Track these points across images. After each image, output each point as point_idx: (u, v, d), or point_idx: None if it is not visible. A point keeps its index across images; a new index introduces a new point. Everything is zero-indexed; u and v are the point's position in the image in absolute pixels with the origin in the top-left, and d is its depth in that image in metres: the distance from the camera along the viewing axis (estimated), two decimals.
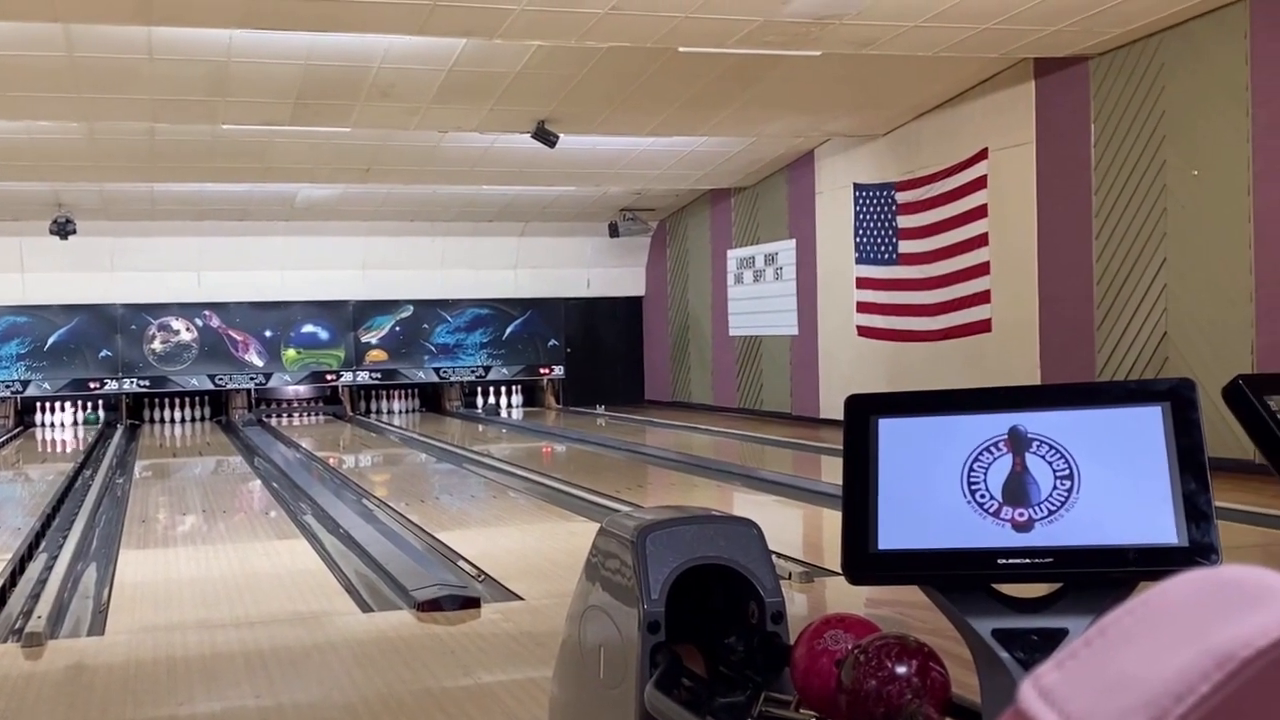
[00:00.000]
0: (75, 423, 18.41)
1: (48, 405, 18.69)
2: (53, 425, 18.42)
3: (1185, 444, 1.52)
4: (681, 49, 10.18)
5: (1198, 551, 1.46)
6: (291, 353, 19.67)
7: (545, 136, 12.62)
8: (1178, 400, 1.54)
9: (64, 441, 16.70)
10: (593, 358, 20.62)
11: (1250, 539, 6.09)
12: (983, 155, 12.28)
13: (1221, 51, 9.45)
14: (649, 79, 11.34)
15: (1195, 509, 1.49)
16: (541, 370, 20.60)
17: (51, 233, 16.93)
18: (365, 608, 5.76)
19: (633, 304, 20.98)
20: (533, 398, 20.69)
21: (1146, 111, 10.22)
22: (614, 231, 19.73)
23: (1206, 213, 9.67)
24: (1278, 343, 9.01)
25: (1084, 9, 9.30)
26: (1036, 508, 1.51)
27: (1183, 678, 0.28)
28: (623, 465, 12.52)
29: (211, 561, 7.51)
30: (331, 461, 13.39)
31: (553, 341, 20.59)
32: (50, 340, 18.64)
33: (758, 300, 17.18)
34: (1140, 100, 10.28)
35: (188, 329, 19.16)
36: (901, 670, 1.74)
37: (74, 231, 16.99)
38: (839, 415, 1.67)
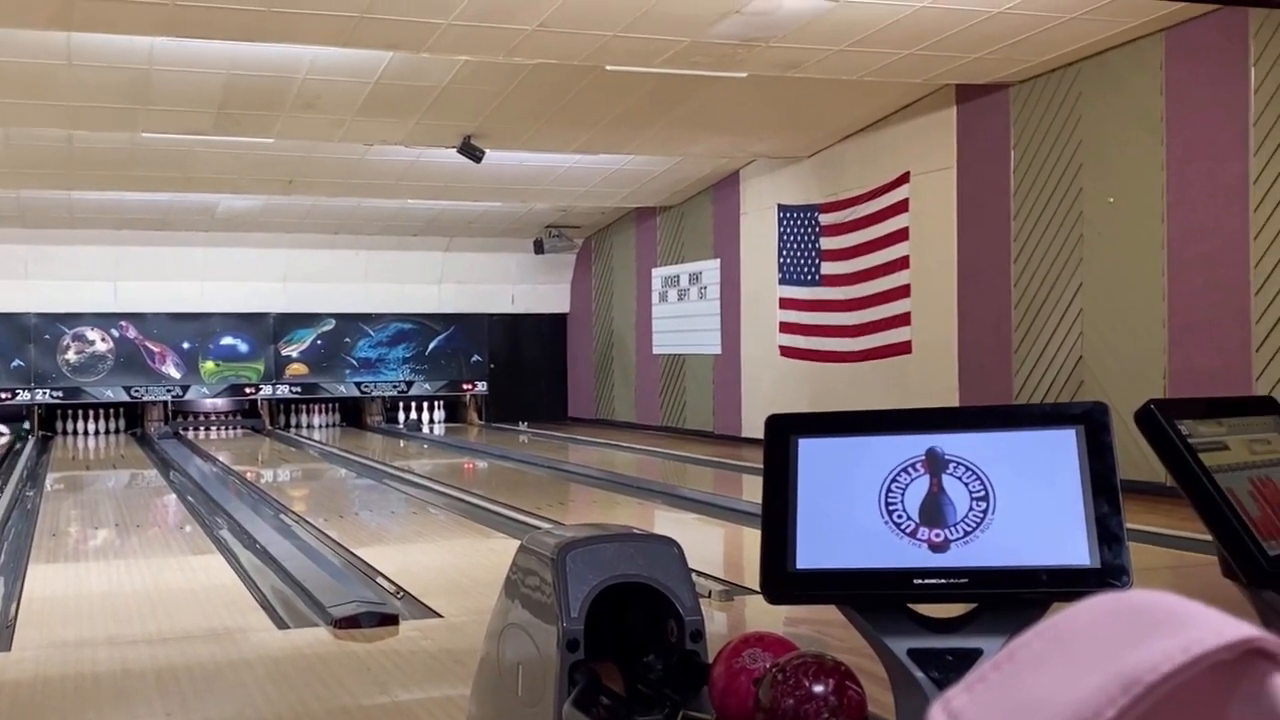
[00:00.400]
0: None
1: None
2: None
3: (1098, 467, 1.54)
4: (609, 67, 10.20)
5: (1109, 573, 1.48)
6: (210, 365, 19.39)
7: (471, 152, 12.59)
8: (1091, 424, 1.57)
9: None
10: (516, 374, 20.55)
11: (1161, 561, 6.21)
12: (904, 179, 12.42)
13: (1137, 81, 9.64)
14: (576, 96, 11.35)
15: (1107, 531, 1.51)
16: (464, 386, 20.50)
17: None
18: (281, 624, 5.69)
19: (557, 321, 20.95)
20: (455, 414, 20.57)
21: (1064, 139, 10.40)
22: (539, 248, 19.71)
23: (1122, 239, 9.85)
24: (1189, 368, 9.20)
25: (1004, 37, 9.45)
26: (953, 528, 1.52)
27: (1090, 702, 0.29)
28: (544, 482, 12.48)
29: (124, 577, 7.37)
30: (249, 476, 13.21)
31: (476, 357, 20.50)
32: None
33: (682, 319, 17.23)
34: (1058, 128, 10.46)
35: (103, 339, 18.82)
36: (818, 689, 1.74)
37: None
38: (760, 434, 1.68)
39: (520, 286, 20.44)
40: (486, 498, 10.42)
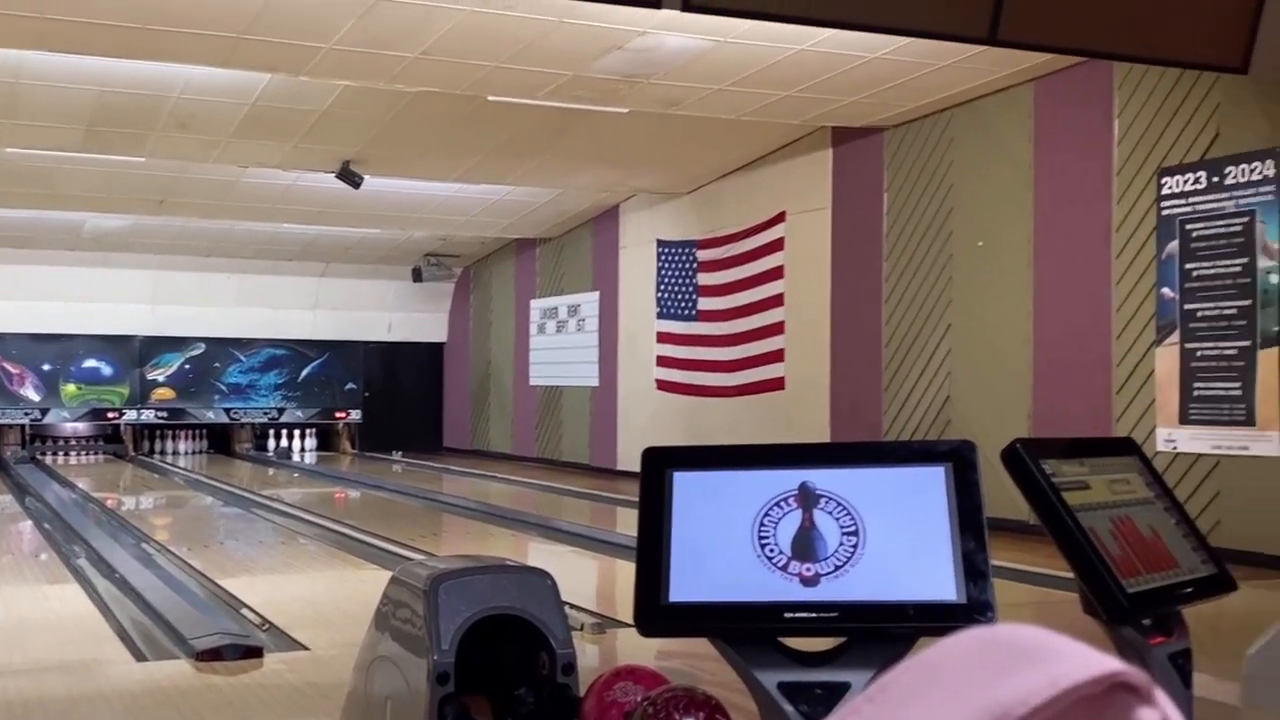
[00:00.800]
0: None
1: None
2: None
3: (965, 504, 1.57)
4: (491, 98, 10.19)
5: (975, 609, 1.51)
6: (71, 388, 18.84)
7: (350, 177, 12.45)
8: (959, 461, 1.60)
9: None
10: (391, 403, 20.33)
11: (1025, 597, 6.34)
12: (781, 218, 12.58)
13: (1007, 128, 9.90)
14: (458, 125, 11.31)
15: (974, 567, 1.54)
16: (337, 414, 20.22)
17: None
18: (140, 656, 5.52)
19: (434, 350, 20.79)
20: (327, 442, 20.27)
21: (936, 182, 10.61)
22: (417, 276, 19.56)
23: (990, 282, 10.07)
24: (1052, 409, 9.42)
25: (879, 82, 9.65)
26: (824, 563, 1.54)
27: None
28: (418, 513, 12.35)
29: None
30: (110, 503, 12.83)
31: (350, 385, 20.24)
32: None
33: (559, 351, 17.22)
34: (931, 171, 10.67)
35: None
36: None
37: None
38: (636, 467, 1.68)
39: (397, 315, 20.25)
40: (358, 528, 10.26)
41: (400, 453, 19.24)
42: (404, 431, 20.01)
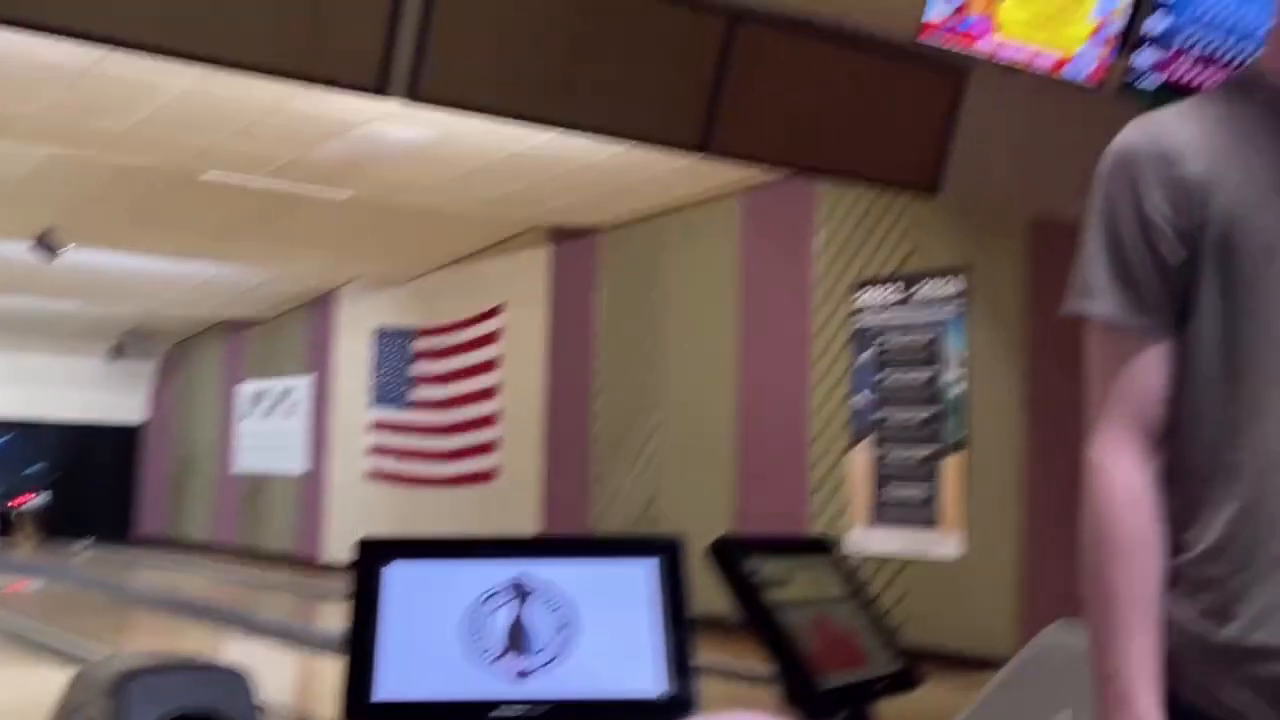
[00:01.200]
0: None
1: None
2: None
3: (673, 598, 1.60)
4: (208, 176, 9.87)
5: (679, 705, 1.53)
6: None
7: (48, 247, 11.80)
8: (668, 556, 1.63)
9: None
10: (81, 487, 19.18)
11: (727, 693, 6.43)
12: (498, 311, 12.60)
13: (716, 237, 10.16)
14: (170, 200, 10.88)
15: (680, 663, 1.56)
16: (18, 500, 18.95)
17: None
18: None
19: (131, 432, 19.78)
20: (7, 527, 18.91)
21: (648, 285, 10.78)
22: (117, 354, 18.66)
23: (698, 383, 10.24)
24: (754, 507, 9.59)
25: (596, 185, 9.79)
26: (536, 656, 1.53)
27: None
28: (105, 606, 11.63)
29: None
30: None
31: (36, 466, 19.03)
32: None
33: (267, 436, 16.67)
34: (643, 274, 10.85)
35: None
36: None
37: None
38: (344, 558, 1.64)
39: (93, 393, 19.21)
40: (37, 621, 9.59)
41: (88, 540, 18.14)
42: (94, 518, 18.91)
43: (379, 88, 5.39)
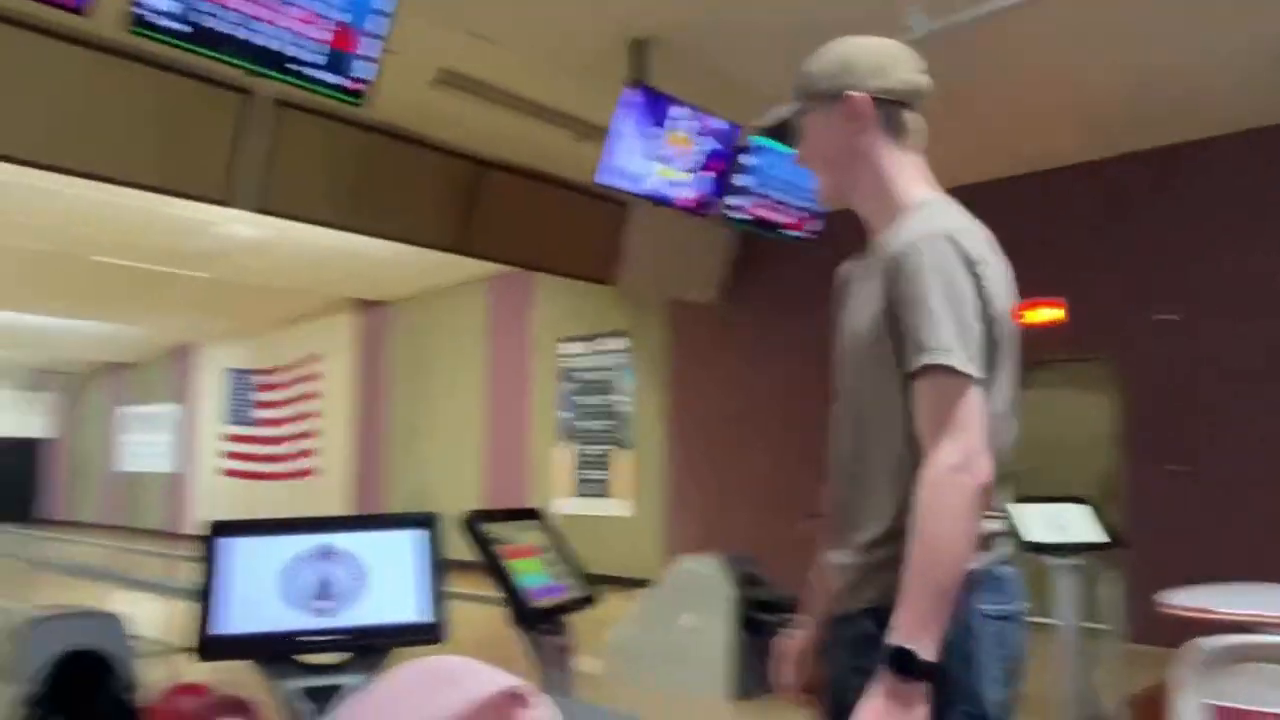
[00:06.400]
0: None
1: None
2: None
3: (434, 554, 1.56)
4: (94, 258, 8.99)
5: (437, 625, 1.49)
6: None
7: None
8: (431, 526, 1.58)
9: None
10: None
11: (475, 614, 6.29)
12: (318, 358, 12.04)
13: (471, 308, 10.08)
14: (68, 275, 9.84)
15: (438, 596, 1.52)
16: None
17: None
18: None
19: (33, 443, 17.71)
20: None
21: (425, 341, 10.59)
22: (29, 387, 16.72)
23: (459, 406, 10.10)
24: (494, 489, 9.53)
25: (387, 271, 9.55)
26: (337, 599, 1.46)
27: None
28: (14, 570, 10.31)
29: None
30: None
31: None
32: None
33: (143, 445, 15.29)
34: (422, 334, 10.65)
35: None
36: None
37: None
38: (201, 532, 1.51)
39: (7, 415, 17.11)
40: None
41: (2, 523, 16.07)
42: (6, 506, 16.79)
43: (227, 201, 5.08)
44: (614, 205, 6.66)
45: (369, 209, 5.78)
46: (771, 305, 7.51)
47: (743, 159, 5.31)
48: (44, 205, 7.15)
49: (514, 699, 0.30)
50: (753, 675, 4.16)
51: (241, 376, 13.22)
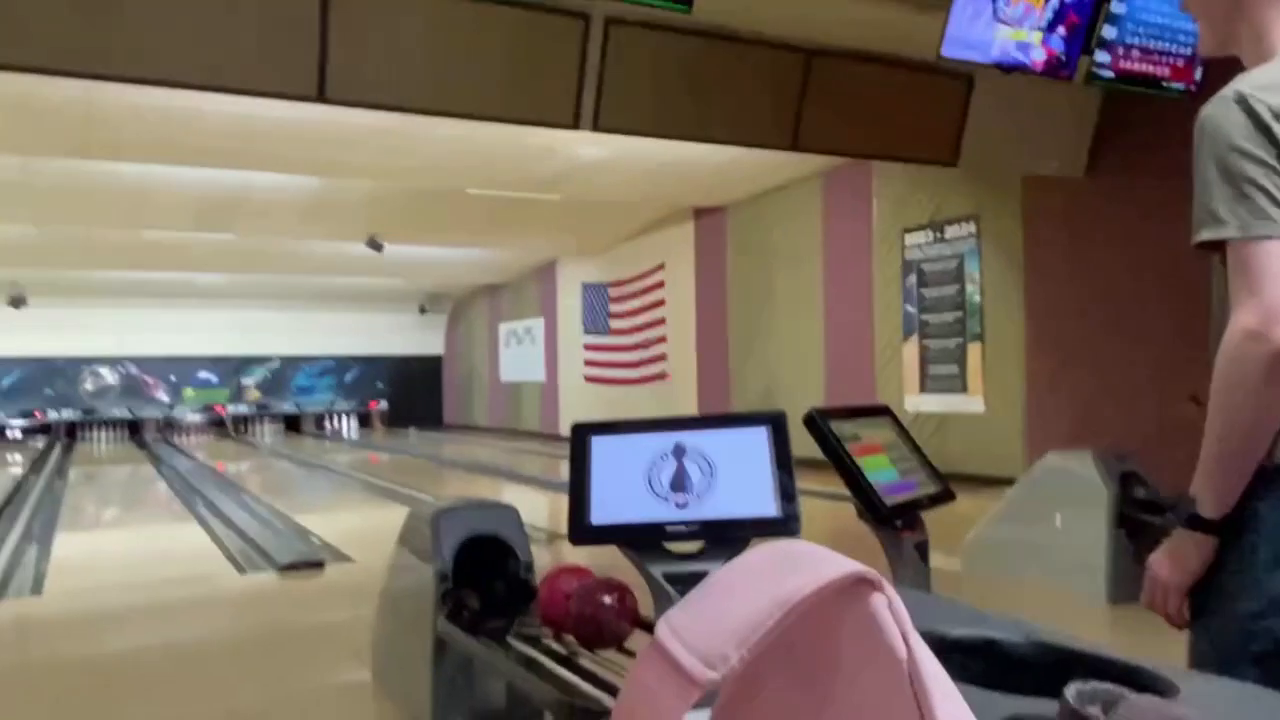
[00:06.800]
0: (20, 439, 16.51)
1: (2, 431, 16.83)
2: (7, 441, 16.46)
3: (780, 451, 1.59)
4: (469, 190, 10.07)
5: (787, 520, 1.53)
6: (189, 392, 18.29)
7: (375, 245, 12.24)
8: (775, 424, 1.62)
9: (13, 456, 14.89)
10: (407, 395, 20.01)
11: (822, 510, 6.41)
12: (663, 267, 12.62)
13: (806, 206, 9.99)
14: (448, 209, 11.16)
15: (786, 492, 1.56)
16: (371, 404, 19.87)
17: (7, 305, 15.45)
18: (241, 570, 5.38)
19: (435, 360, 20.50)
20: (365, 422, 19.89)
21: (761, 243, 10.69)
22: (423, 310, 19.32)
23: (798, 306, 10.16)
24: (838, 387, 9.53)
25: (722, 177, 9.69)
26: (691, 494, 1.55)
27: (757, 616, 0.29)
28: (426, 468, 12.18)
29: (127, 540, 6.85)
30: (218, 468, 12.46)
31: (380, 384, 19.91)
32: (5, 382, 16.82)
33: (519, 357, 17.11)
34: (758, 236, 10.75)
35: (112, 375, 17.58)
36: (607, 600, 1.74)
37: (25, 304, 15.56)
38: (571, 433, 1.67)
39: (409, 336, 19.97)
40: (386, 479, 10.10)
41: (414, 428, 18.96)
42: (417, 414, 19.72)
43: (574, 124, 5.40)
44: (955, 79, 6.18)
45: (700, 116, 5.87)
46: (1143, 171, 6.62)
47: (1109, 6, 4.67)
48: (424, 147, 8.11)
49: (864, 584, 0.30)
50: (1130, 582, 3.84)
51: (596, 289, 14.26)
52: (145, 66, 4.36)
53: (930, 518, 1.98)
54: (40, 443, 16.30)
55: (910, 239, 8.80)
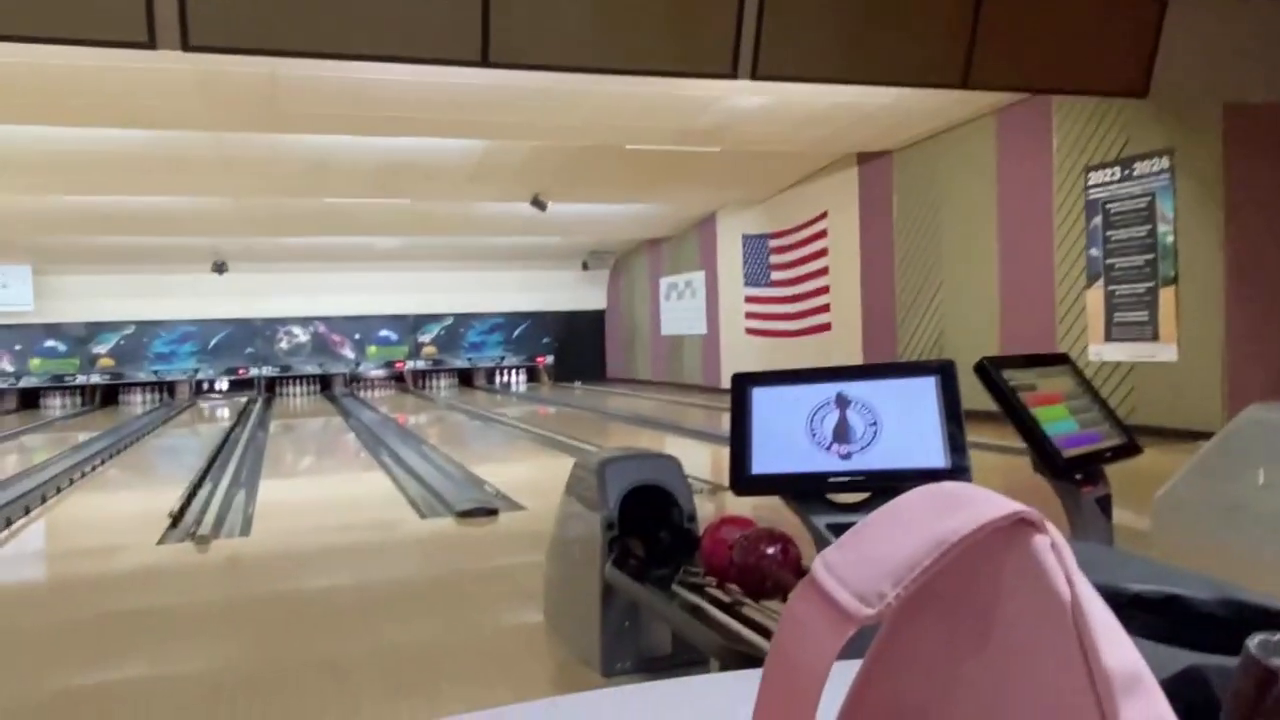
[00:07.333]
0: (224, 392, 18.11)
1: (211, 385, 18.53)
2: (214, 396, 18.10)
3: (949, 401, 1.54)
4: (628, 146, 10.14)
5: (957, 472, 1.48)
6: (372, 349, 19.46)
7: (539, 204, 12.54)
8: (944, 373, 1.57)
9: (222, 410, 16.36)
10: (572, 349, 20.51)
11: (993, 463, 6.16)
12: (824, 215, 12.33)
13: (978, 146, 9.53)
14: (608, 166, 11.29)
15: (956, 443, 1.51)
16: (539, 359, 20.50)
17: (212, 271, 16.84)
18: (422, 516, 5.72)
19: (599, 314, 20.89)
20: (533, 376, 20.57)
21: (929, 186, 10.29)
22: (585, 266, 19.68)
23: (969, 251, 9.75)
24: (1015, 335, 9.12)
25: (887, 120, 9.35)
26: (854, 444, 1.53)
27: (913, 555, 0.29)
28: (591, 420, 12.49)
29: (321, 487, 7.42)
30: (399, 420, 13.24)
31: (546, 339, 20.50)
32: (212, 342, 18.45)
33: (680, 311, 17.20)
34: (925, 179, 10.35)
35: (304, 334, 18.97)
36: (770, 550, 1.75)
37: (226, 270, 16.93)
38: (731, 385, 1.67)
39: (573, 292, 20.40)
40: (554, 431, 10.43)
41: (580, 382, 19.44)
42: (582, 368, 20.19)
43: (731, 73, 5.32)
44: (1145, 1, 5.68)
45: (866, 57, 5.66)
46: None
47: None
48: (582, 106, 8.21)
49: (1025, 524, 0.29)
50: None
51: (757, 240, 14.11)
52: (323, 41, 4.61)
53: (1115, 473, 1.87)
54: (244, 397, 17.81)
55: (1094, 178, 8.24)
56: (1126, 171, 7.93)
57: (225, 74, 6.76)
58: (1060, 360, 2.05)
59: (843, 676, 0.32)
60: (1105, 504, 1.83)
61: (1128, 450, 1.92)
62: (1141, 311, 7.88)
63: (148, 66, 6.19)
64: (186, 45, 4.39)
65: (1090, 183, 8.28)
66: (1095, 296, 8.30)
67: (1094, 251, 8.30)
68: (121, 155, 9.53)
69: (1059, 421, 1.84)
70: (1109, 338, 8.19)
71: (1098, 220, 8.24)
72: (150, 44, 4.35)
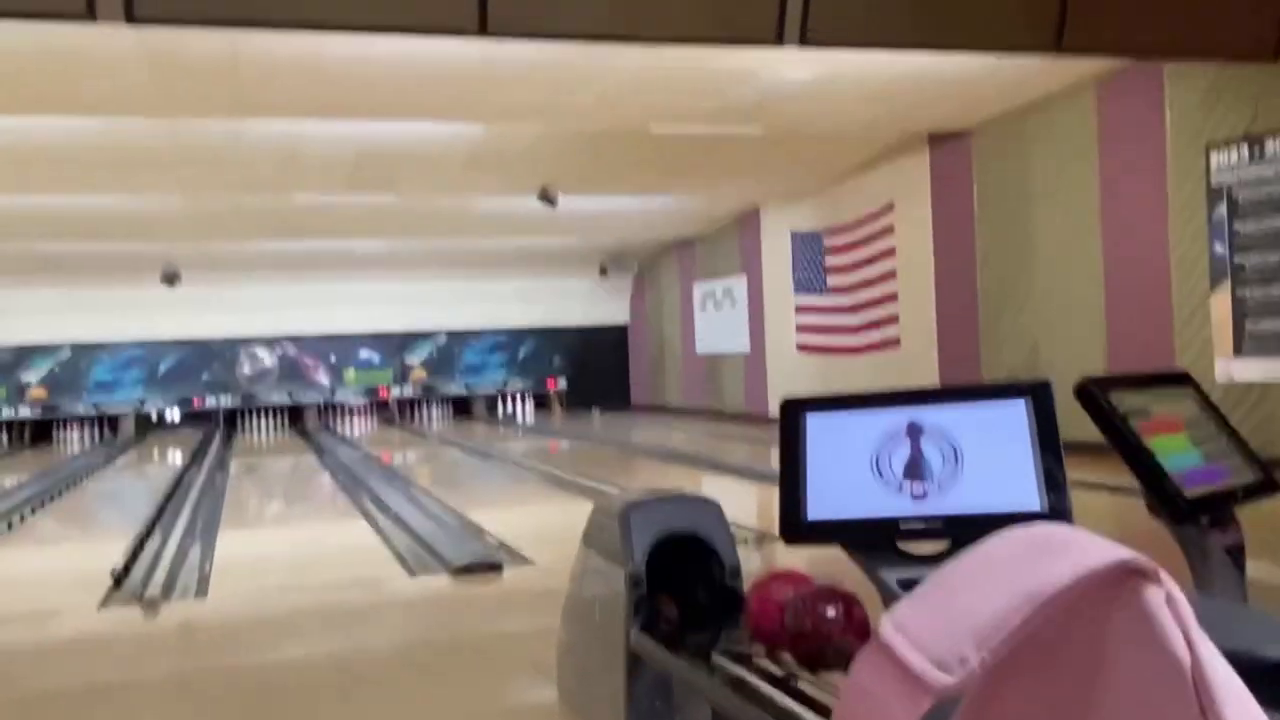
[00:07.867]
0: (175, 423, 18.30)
1: (161, 419, 18.70)
2: (164, 432, 18.29)
3: (1044, 430, 1.54)
4: (654, 129, 10.19)
5: (1055, 515, 1.47)
6: (351, 373, 19.61)
7: (547, 199, 12.60)
8: (1037, 395, 1.56)
9: (173, 449, 16.52)
10: (589, 372, 20.55)
11: (1099, 505, 6.09)
12: (891, 208, 12.33)
13: (1073, 122, 9.51)
14: (629, 151, 11.34)
15: (1053, 481, 1.50)
16: (548, 383, 20.56)
17: (161, 283, 17.01)
18: (411, 573, 5.74)
19: (620, 330, 20.94)
20: (542, 405, 20.62)
21: (1016, 172, 10.27)
22: (604, 273, 19.75)
23: (1067, 248, 9.71)
24: (1124, 348, 9.06)
25: (964, 94, 9.34)
26: (930, 483, 1.52)
27: (1002, 612, 0.29)
28: (612, 456, 12.49)
29: (290, 538, 7.47)
30: (384, 458, 13.32)
31: (556, 359, 20.56)
32: (162, 367, 18.64)
33: (717, 324, 17.20)
34: (1011, 163, 10.33)
35: (270, 357, 19.14)
36: (831, 613, 1.75)
37: (179, 281, 17.10)
38: (780, 412, 1.68)
39: (589, 304, 20.46)
40: (568, 469, 10.44)
41: (598, 410, 19.47)
42: (600, 393, 20.21)
43: (777, 39, 5.35)
44: None
45: (937, 18, 5.67)
46: None
47: None
48: (597, 82, 8.27)
49: (1135, 574, 0.30)
50: None
51: (809, 239, 14.11)
52: (292, 10, 4.69)
53: (1249, 516, 1.85)
54: (200, 433, 17.99)
55: (1217, 159, 8.19)
56: (1256, 151, 7.87)
57: (179, 51, 6.89)
58: (1180, 380, 2.03)
59: None
60: (1237, 553, 1.81)
61: (1264, 488, 1.89)
62: (1278, 320, 7.81)
63: (90, 43, 6.32)
64: (131, 16, 4.48)
65: (1212, 165, 8.23)
66: (1221, 302, 8.22)
67: (1218, 248, 8.24)
68: (56, 147, 9.72)
69: (1179, 454, 1.82)
70: (1239, 352, 8.10)
71: (1222, 210, 8.19)
72: (89, 14, 4.45)
